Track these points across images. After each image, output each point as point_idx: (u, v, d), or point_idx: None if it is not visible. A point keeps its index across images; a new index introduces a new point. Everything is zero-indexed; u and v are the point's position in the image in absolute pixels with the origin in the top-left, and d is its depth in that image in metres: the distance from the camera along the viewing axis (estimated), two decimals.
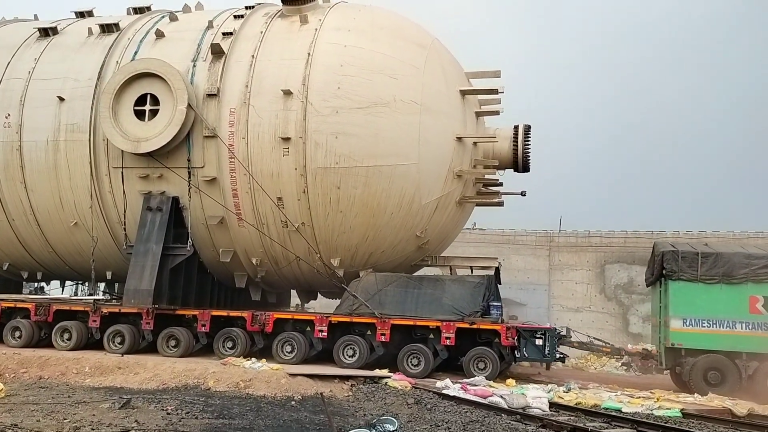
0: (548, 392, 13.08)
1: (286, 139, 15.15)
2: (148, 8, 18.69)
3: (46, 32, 17.88)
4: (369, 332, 15.35)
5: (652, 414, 11.94)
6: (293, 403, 11.40)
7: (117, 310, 16.52)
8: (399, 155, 15.26)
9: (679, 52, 63.85)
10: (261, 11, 17.28)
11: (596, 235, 30.88)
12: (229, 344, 15.69)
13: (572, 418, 11.31)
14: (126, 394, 11.36)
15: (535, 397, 12.13)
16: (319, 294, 19.60)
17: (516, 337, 14.41)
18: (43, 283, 23.53)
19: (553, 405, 12.13)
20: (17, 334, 16.77)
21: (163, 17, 17.83)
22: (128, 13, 18.96)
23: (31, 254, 18.22)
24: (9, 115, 16.89)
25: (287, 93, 15.17)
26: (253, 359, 14.79)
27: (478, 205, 17.91)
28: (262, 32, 16.28)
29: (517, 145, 17.04)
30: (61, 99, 16.50)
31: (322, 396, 11.73)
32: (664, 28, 66.30)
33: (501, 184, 18.47)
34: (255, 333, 15.77)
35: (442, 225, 16.75)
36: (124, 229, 16.41)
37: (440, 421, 10.35)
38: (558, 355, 14.72)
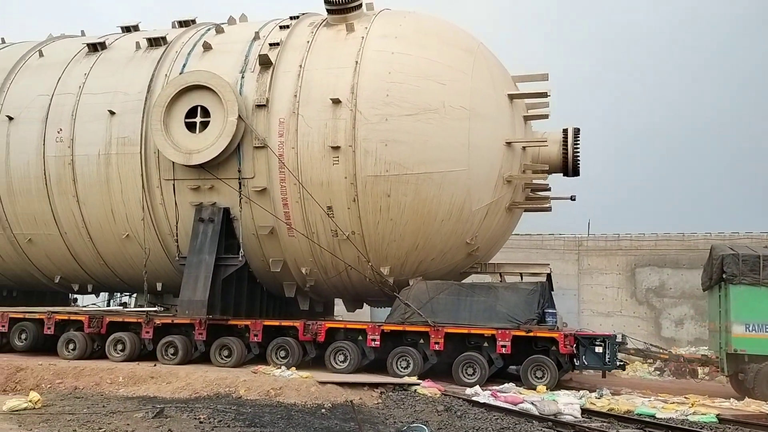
0: (580, 398, 12.88)
1: (336, 148, 15.12)
2: (193, 21, 18.90)
3: (94, 47, 18.17)
4: (422, 341, 15.19)
5: (687, 419, 11.70)
6: (323, 410, 11.44)
7: (170, 321, 16.61)
8: (449, 161, 15.13)
9: (707, 50, 62.81)
10: (306, 21, 17.32)
11: (626, 239, 30.42)
12: (282, 354, 15.67)
13: (605, 424, 11.20)
14: (159, 403, 11.54)
15: (567, 403, 11.98)
16: (364, 303, 19.56)
17: (574, 345, 14.12)
18: (76, 295, 23.96)
19: (585, 411, 11.97)
20: (71, 346, 16.94)
21: (208, 30, 17.99)
22: (173, 27, 19.19)
23: (82, 267, 18.46)
24: (61, 129, 17.15)
25: (336, 102, 15.16)
26: (283, 367, 14.85)
27: (527, 210, 17.68)
28: (308, 42, 16.31)
29: (566, 149, 16.79)
30: (112, 113, 16.72)
31: (352, 403, 11.78)
32: (690, 24, 65.29)
33: (549, 189, 18.24)
34: (307, 342, 15.73)
35: (492, 231, 16.56)
36: (176, 240, 16.53)
37: (470, 428, 10.38)
38: (618, 363, 14.38)
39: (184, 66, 16.83)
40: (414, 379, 14.13)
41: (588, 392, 13.61)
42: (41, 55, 18.73)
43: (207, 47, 16.91)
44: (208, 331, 16.00)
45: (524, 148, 16.56)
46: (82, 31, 20.70)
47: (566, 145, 16.80)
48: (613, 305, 30.09)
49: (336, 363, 15.26)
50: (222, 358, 15.94)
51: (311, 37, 16.46)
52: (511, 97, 16.48)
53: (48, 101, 17.48)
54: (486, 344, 14.80)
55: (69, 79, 17.70)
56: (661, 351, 16.73)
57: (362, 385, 13.40)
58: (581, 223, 32.42)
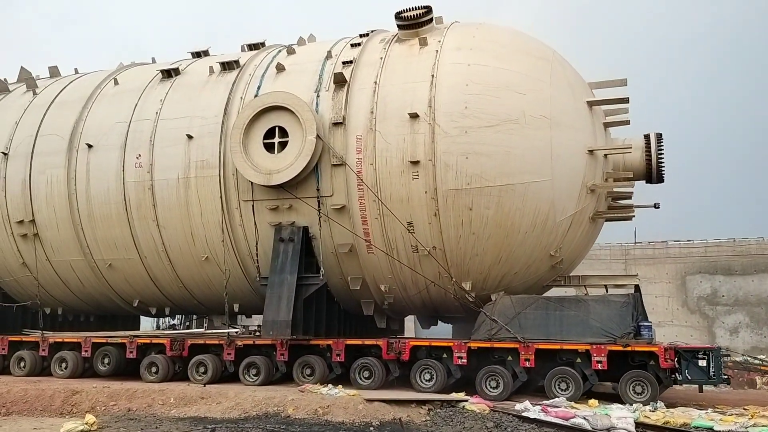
0: (633, 412, 12.38)
1: (415, 163, 14.93)
2: (263, 44, 19.08)
3: (168, 73, 18.47)
4: (510, 358, 14.77)
5: (747, 431, 11.22)
6: (371, 428, 11.42)
7: (251, 342, 16.62)
8: (532, 172, 14.78)
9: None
10: (377, 38, 17.29)
11: (674, 246, 29.52)
12: (366, 374, 15.45)
13: None
14: (210, 423, 11.70)
15: (620, 417, 11.66)
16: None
17: (675, 359, 13.50)
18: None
19: (639, 425, 11.64)
20: (153, 369, 17.10)
21: (279, 51, 18.13)
22: (242, 50, 19.42)
23: (161, 290, 18.64)
24: (140, 155, 17.42)
25: (413, 116, 15.00)
26: (330, 385, 14.71)
27: (610, 219, 17.16)
28: (382, 58, 16.24)
29: (650, 155, 16.25)
30: (190, 137, 16.90)
31: (401, 421, 11.72)
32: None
33: (629, 197, 17.67)
34: (390, 361, 15.48)
35: (576, 243, 16.10)
36: (257, 261, 16.53)
37: None
38: (723, 376, 13.69)
39: (258, 88, 16.93)
40: (462, 396, 13.89)
41: (641, 405, 13.10)
42: (116, 83, 19.13)
43: (280, 68, 17.00)
44: (290, 351, 15.94)
45: (606, 155, 16.09)
46: (153, 59, 21.14)
47: (650, 152, 16.27)
48: (664, 314, 29.17)
49: (422, 382, 14.96)
50: (304, 377, 15.83)
51: (384, 53, 16.39)
52: (590, 104, 16.07)
53: (126, 128, 17.79)
54: (579, 360, 14.29)
55: (145, 105, 18.00)
56: (761, 363, 15.87)
57: (410, 402, 13.29)
58: (629, 231, 31.38)
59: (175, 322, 28.55)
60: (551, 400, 13.44)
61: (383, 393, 14.22)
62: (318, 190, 15.75)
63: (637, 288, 16.09)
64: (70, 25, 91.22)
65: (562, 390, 14.00)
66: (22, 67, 21.95)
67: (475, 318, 18.11)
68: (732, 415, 12.49)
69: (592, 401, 13.50)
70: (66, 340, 18.51)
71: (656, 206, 17.20)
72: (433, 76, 15.31)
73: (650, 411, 12.59)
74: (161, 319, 27.33)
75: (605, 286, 17.09)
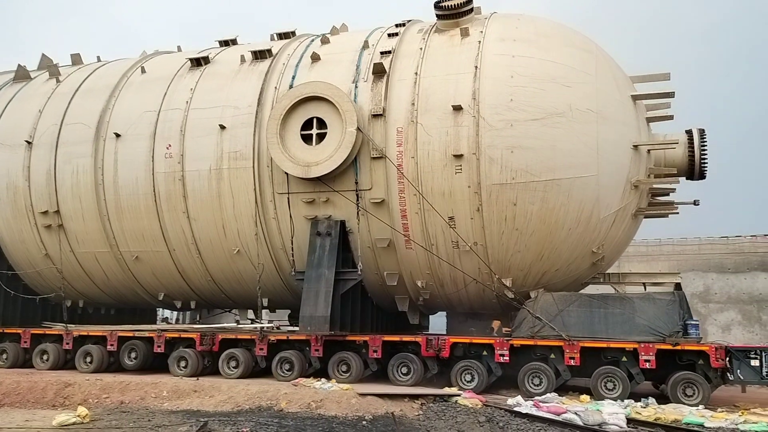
0: (625, 408, 12.42)
1: (459, 156, 14.59)
2: (293, 33, 18.66)
3: (198, 62, 18.03)
4: (552, 356, 14.51)
5: (738, 428, 11.31)
6: (364, 422, 11.42)
7: (285, 338, 16.30)
8: (578, 167, 14.46)
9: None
10: (414, 28, 16.90)
11: (668, 243, 29.43)
12: (404, 370, 15.16)
13: None
14: (202, 417, 11.65)
15: (612, 413, 11.71)
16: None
17: (727, 358, 13.25)
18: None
19: (630, 421, 11.68)
20: (183, 364, 16.78)
21: (312, 40, 17.72)
22: (272, 39, 19.01)
23: (188, 283, 18.28)
24: (170, 145, 17.02)
25: (457, 108, 14.65)
26: (323, 379, 14.61)
27: (651, 216, 16.85)
28: (421, 49, 15.86)
29: (693, 151, 15.94)
30: (222, 127, 16.50)
31: (393, 415, 11.73)
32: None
33: (668, 194, 17.33)
34: (429, 358, 15.19)
35: (618, 240, 15.81)
36: (292, 255, 16.18)
37: None
38: None
39: (293, 78, 16.54)
40: (455, 390, 13.88)
41: (633, 401, 13.12)
42: (143, 71, 18.70)
43: (315, 58, 16.60)
44: (324, 347, 15.64)
45: (649, 151, 15.77)
46: (179, 47, 20.71)
47: (692, 147, 15.94)
48: None
49: (463, 382, 14.67)
50: (340, 374, 15.53)
51: (423, 43, 16.00)
52: (634, 98, 15.73)
53: (155, 117, 17.38)
54: (624, 359, 14.02)
55: (175, 95, 17.57)
56: None
57: (403, 396, 13.28)
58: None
59: (167, 315, 28.19)
60: (544, 396, 13.39)
61: (376, 387, 14.17)
62: (356, 183, 15.39)
63: (678, 286, 15.84)
64: (60, 16, 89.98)
65: (608, 390, 13.75)
66: (43, 54, 21.53)
67: (508, 315, 17.92)
68: (723, 411, 12.49)
69: (584, 397, 13.56)
70: (91, 334, 18.13)
71: (696, 203, 16.89)
72: (476, 67, 14.95)
73: (641, 407, 12.66)
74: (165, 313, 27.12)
75: (644, 284, 16.79)
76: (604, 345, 14.05)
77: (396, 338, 15.61)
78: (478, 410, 12.52)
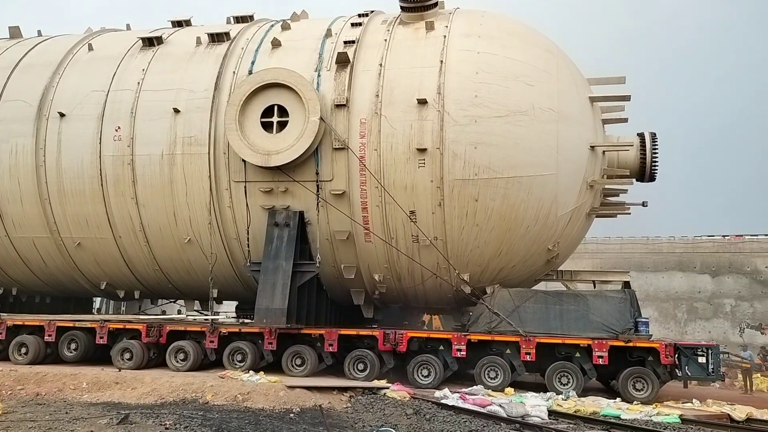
0: (547, 400, 12.98)
1: (422, 150, 14.52)
2: (251, 17, 18.10)
3: (150, 42, 17.27)
4: (508, 351, 14.68)
5: (651, 420, 11.92)
6: (292, 415, 11.36)
7: (237, 330, 15.88)
8: (538, 165, 14.66)
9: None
10: (377, 19, 16.70)
11: (591, 242, 30.63)
12: (360, 366, 15.02)
13: (571, 425, 11.42)
14: (124, 409, 11.40)
15: (534, 405, 12.17)
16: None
17: (675, 355, 13.73)
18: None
19: (552, 413, 12.18)
20: (127, 356, 16.11)
21: (272, 26, 17.25)
22: (228, 22, 18.41)
23: (134, 273, 17.54)
24: (119, 128, 16.24)
25: (422, 102, 14.56)
26: (251, 372, 14.58)
27: (603, 216, 17.29)
28: (386, 40, 15.69)
29: (644, 154, 16.41)
30: (177, 111, 15.86)
31: (321, 408, 11.75)
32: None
33: (617, 194, 17.83)
34: (385, 352, 15.11)
35: (572, 238, 16.17)
36: (248, 245, 15.72)
37: (439, 431, 10.58)
38: (720, 373, 14.03)
39: (252, 63, 16.06)
40: (383, 383, 14.12)
41: (554, 394, 13.68)
42: (91, 48, 17.75)
43: (276, 44, 16.16)
44: (278, 340, 15.34)
45: (604, 152, 16.14)
46: (128, 25, 19.77)
47: (644, 150, 16.42)
48: None
49: (420, 377, 14.69)
50: (294, 367, 15.27)
51: (388, 35, 15.83)
52: (592, 99, 16.06)
53: (104, 97, 16.55)
54: (578, 354, 14.34)
55: (125, 75, 16.77)
56: (743, 360, 16.44)
57: (331, 389, 13.39)
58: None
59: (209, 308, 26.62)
60: (470, 388, 13.77)
61: (306, 380, 14.17)
62: (317, 174, 15.09)
63: (627, 284, 16.31)
64: None
65: (563, 384, 14.04)
66: None
67: (459, 311, 18.06)
68: (638, 404, 13.13)
69: (508, 389, 13.95)
70: (27, 323, 17.14)
71: (644, 204, 17.45)
72: (441, 62, 14.90)
73: (563, 400, 13.17)
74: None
75: (593, 282, 17.22)
76: (560, 341, 14.33)
77: (353, 332, 15.46)
78: (405, 402, 12.72)
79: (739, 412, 12.53)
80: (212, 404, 12.06)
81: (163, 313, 22.90)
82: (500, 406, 12.05)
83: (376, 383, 14.16)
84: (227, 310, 21.00)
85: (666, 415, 12.22)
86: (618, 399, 13.52)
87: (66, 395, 12.96)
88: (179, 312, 22.12)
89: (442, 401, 12.69)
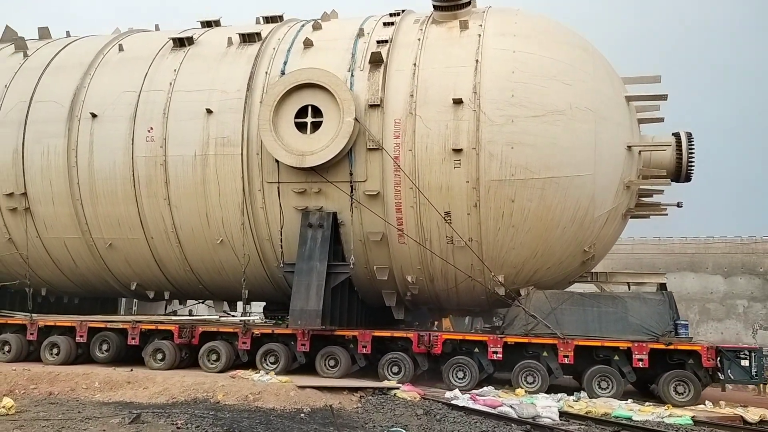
0: (558, 401, 12.88)
1: (458, 151, 14.36)
2: (281, 17, 18.02)
3: (181, 42, 17.23)
4: (545, 354, 14.50)
5: (663, 422, 11.85)
6: (302, 415, 11.37)
7: (269, 331, 15.81)
8: (576, 165, 14.46)
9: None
10: (409, 18, 16.56)
11: None
12: (395, 369, 14.90)
13: (582, 426, 11.42)
14: (136, 408, 11.43)
15: (545, 406, 12.14)
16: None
17: (717, 358, 13.49)
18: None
19: (563, 414, 12.15)
20: (159, 356, 16.11)
21: (303, 26, 17.16)
22: (257, 22, 18.35)
23: (165, 273, 17.51)
24: (152, 128, 16.21)
25: (457, 102, 14.41)
26: (262, 372, 14.56)
27: (638, 217, 17.02)
28: (419, 39, 15.54)
29: (681, 154, 16.16)
30: (209, 111, 15.80)
31: (332, 408, 11.77)
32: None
33: (651, 195, 17.56)
34: (419, 354, 14.97)
35: (608, 239, 15.96)
36: (281, 246, 15.65)
37: (450, 431, 10.56)
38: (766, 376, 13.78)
39: (285, 63, 15.97)
40: (394, 383, 14.02)
41: (566, 395, 13.54)
42: (121, 49, 17.75)
43: (308, 44, 16.07)
44: (310, 341, 15.25)
45: (639, 152, 15.91)
46: (156, 26, 19.78)
47: (680, 150, 16.17)
48: None
49: (455, 380, 14.54)
50: (328, 369, 15.19)
51: (421, 34, 15.69)
52: (628, 99, 15.84)
53: (135, 98, 16.52)
54: (617, 357, 14.13)
55: (157, 75, 16.74)
56: None
57: (342, 389, 13.29)
58: None
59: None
60: (480, 389, 13.72)
61: (317, 380, 14.09)
62: (351, 174, 14.98)
63: (663, 286, 16.08)
64: None
65: (602, 389, 13.83)
66: (7, 26, 20.18)
67: (490, 313, 17.90)
68: (650, 406, 12.97)
69: (519, 390, 13.83)
70: (58, 324, 17.16)
71: (679, 205, 17.18)
72: (477, 61, 14.73)
73: (573, 401, 13.06)
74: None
75: (628, 284, 16.99)
76: (599, 344, 14.13)
77: (387, 334, 15.34)
78: (416, 403, 12.68)
79: (753, 414, 12.38)
80: (223, 404, 12.08)
81: (174, 313, 22.75)
82: (511, 407, 12.06)
83: (386, 383, 14.10)
84: (254, 310, 20.99)
85: (678, 416, 12.11)
86: (630, 400, 13.41)
87: (78, 394, 13.06)
88: (190, 313, 21.95)
89: (453, 402, 12.70)
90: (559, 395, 13.48)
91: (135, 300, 23.26)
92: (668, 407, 12.87)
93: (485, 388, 13.85)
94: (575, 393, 13.80)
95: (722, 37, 70.99)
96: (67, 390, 13.24)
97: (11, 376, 13.87)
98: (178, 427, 10.00)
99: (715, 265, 29.88)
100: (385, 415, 11.68)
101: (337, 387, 13.29)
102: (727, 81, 68.88)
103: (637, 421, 11.78)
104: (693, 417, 12.06)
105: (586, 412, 12.28)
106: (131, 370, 14.73)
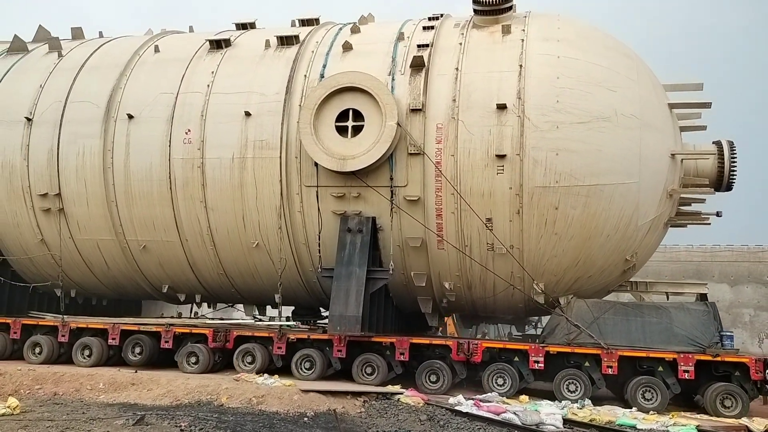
0: (562, 408, 12.77)
1: (501, 157, 14.18)
2: (317, 20, 17.92)
3: (218, 44, 17.13)
4: (587, 364, 14.27)
5: (667, 430, 11.72)
6: (306, 419, 11.40)
7: (305, 336, 15.64)
8: (621, 173, 14.25)
9: None
10: (449, 22, 16.42)
11: None
12: (432, 378, 14.70)
13: None
14: (140, 410, 11.50)
15: (549, 413, 12.08)
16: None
17: (765, 371, 13.24)
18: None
19: (567, 421, 12.04)
20: (192, 360, 15.97)
21: (341, 29, 17.04)
22: (293, 25, 18.25)
23: (198, 276, 17.39)
24: (189, 130, 16.10)
25: (501, 107, 14.24)
26: (266, 375, 14.47)
27: (679, 225, 16.79)
28: (461, 44, 15.39)
29: (722, 162, 15.92)
30: (248, 114, 15.68)
31: (335, 412, 11.75)
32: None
33: (690, 204, 17.31)
34: (457, 363, 14.77)
35: (649, 248, 15.74)
36: (319, 250, 15.51)
37: None
38: None
39: (324, 67, 15.84)
40: (397, 388, 13.91)
41: (570, 402, 13.40)
42: (157, 50, 17.67)
43: (347, 47, 15.94)
44: (347, 347, 15.08)
45: (682, 161, 15.69)
46: (191, 27, 19.73)
47: (722, 159, 15.92)
48: None
49: (495, 386, 14.32)
50: (365, 376, 15.00)
51: (463, 39, 15.53)
52: (671, 106, 15.63)
53: (173, 100, 16.42)
54: (661, 368, 13.89)
55: (194, 77, 16.64)
56: None
57: (345, 393, 13.22)
58: None
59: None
60: (484, 395, 13.55)
61: (319, 384, 14.03)
62: (392, 179, 14.82)
63: (705, 296, 15.83)
64: None
65: (647, 400, 13.57)
66: (40, 26, 20.18)
67: (522, 320, 17.68)
68: (654, 414, 12.79)
69: (523, 397, 13.73)
70: (90, 326, 17.05)
71: (719, 214, 16.94)
72: (521, 66, 14.56)
73: (578, 408, 12.91)
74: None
75: (666, 293, 16.75)
76: (644, 354, 13.88)
77: (425, 341, 15.15)
78: (419, 408, 12.67)
79: (758, 424, 12.18)
80: (227, 407, 12.03)
81: (179, 315, 22.56)
82: (515, 413, 11.95)
83: (390, 388, 13.99)
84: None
85: (683, 425, 11.93)
86: (634, 408, 13.27)
87: (83, 395, 13.07)
88: (196, 315, 21.76)
89: (456, 408, 12.59)
90: (563, 402, 13.38)
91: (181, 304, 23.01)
92: (673, 416, 12.75)
93: (489, 394, 13.76)
94: (578, 400, 13.60)
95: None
96: (71, 391, 13.28)
97: (17, 376, 13.85)
98: (181, 430, 10.03)
99: (722, 274, 29.65)
100: (388, 420, 11.72)
101: (341, 391, 13.27)
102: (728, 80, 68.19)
103: (642, 429, 11.71)
104: (698, 426, 11.88)
105: (591, 420, 12.13)
106: (136, 372, 14.72)
